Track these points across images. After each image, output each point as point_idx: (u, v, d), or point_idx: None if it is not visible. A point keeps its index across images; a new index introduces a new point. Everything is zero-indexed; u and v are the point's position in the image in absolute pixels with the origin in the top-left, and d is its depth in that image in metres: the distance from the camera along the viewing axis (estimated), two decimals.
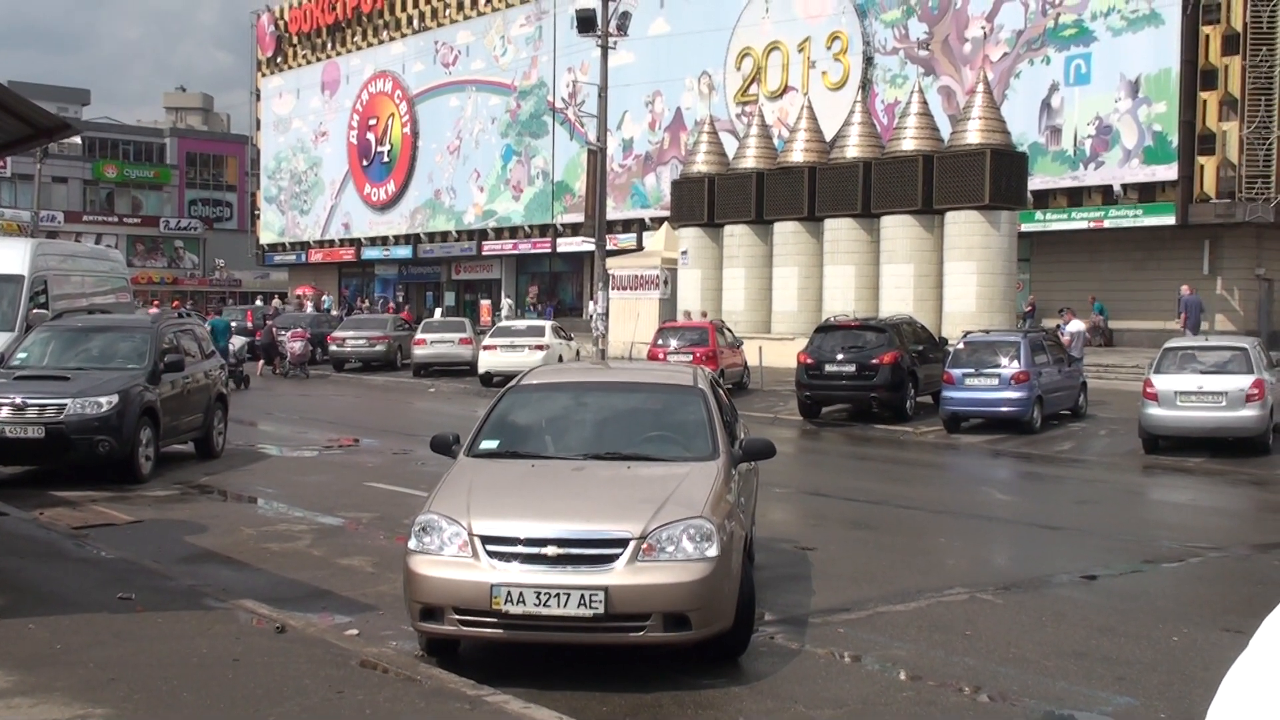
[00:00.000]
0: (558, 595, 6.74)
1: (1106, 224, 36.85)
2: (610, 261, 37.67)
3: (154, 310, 33.13)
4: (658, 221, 44.99)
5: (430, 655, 7.41)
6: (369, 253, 66.24)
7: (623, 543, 6.91)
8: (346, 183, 67.57)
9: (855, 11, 43.00)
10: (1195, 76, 35.12)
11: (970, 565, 10.90)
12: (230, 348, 31.24)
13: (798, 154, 33.75)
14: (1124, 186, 36.55)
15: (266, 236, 74.19)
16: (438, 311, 53.10)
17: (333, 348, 37.60)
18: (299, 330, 36.21)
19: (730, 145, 38.41)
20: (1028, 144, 36.23)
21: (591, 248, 37.33)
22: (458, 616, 6.94)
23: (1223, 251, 35.82)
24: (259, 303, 56.78)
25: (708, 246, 35.80)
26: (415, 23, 62.68)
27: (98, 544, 10.55)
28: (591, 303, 38.32)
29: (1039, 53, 38.14)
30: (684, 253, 36.54)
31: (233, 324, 34.66)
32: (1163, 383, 18.26)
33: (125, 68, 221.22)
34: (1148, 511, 15.28)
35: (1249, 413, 17.87)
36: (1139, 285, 36.78)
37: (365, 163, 66.10)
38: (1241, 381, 17.94)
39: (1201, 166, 34.99)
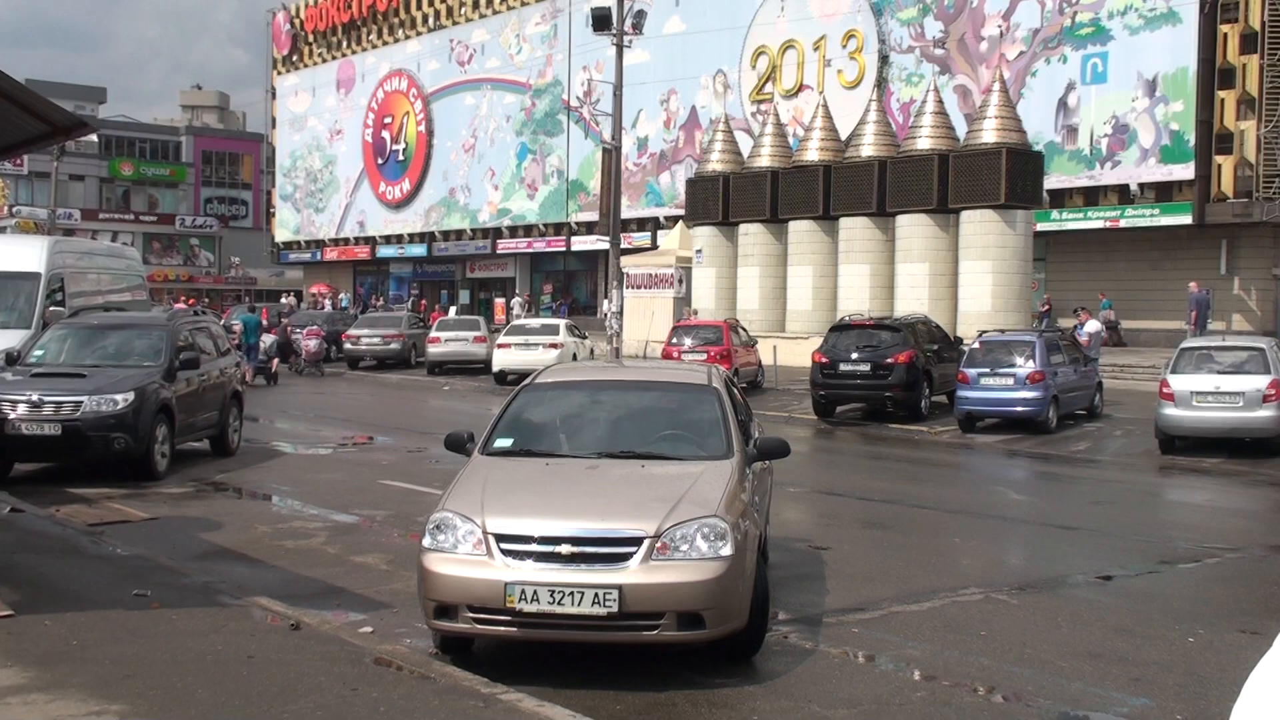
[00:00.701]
0: (572, 594, 6.74)
1: (1123, 223, 36.72)
2: (625, 260, 37.67)
3: (179, 307, 33.24)
4: (672, 220, 44.99)
5: (444, 653, 7.42)
6: (384, 251, 66.38)
7: (637, 541, 6.91)
8: (361, 181, 67.71)
9: (871, 10, 42.93)
10: (1213, 75, 34.98)
11: (985, 565, 10.87)
12: (260, 345, 31.78)
13: (813, 153, 33.69)
14: (1140, 186, 36.42)
15: (282, 234, 74.39)
16: (452, 310, 53.23)
17: (347, 345, 37.68)
18: (314, 328, 36.33)
19: (745, 144, 38.38)
20: (1044, 143, 36.13)
21: (606, 246, 37.34)
22: (472, 614, 6.94)
23: (1240, 251, 35.66)
24: (284, 300, 57.02)
25: (722, 245, 35.77)
26: (430, 21, 62.78)
27: (113, 541, 10.59)
28: (606, 301, 38.32)
29: (1055, 51, 38.03)
30: (699, 251, 36.52)
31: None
32: (1179, 383, 18.19)
33: (143, 66, 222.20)
34: (1164, 512, 15.22)
35: (1266, 413, 17.79)
36: (1155, 285, 36.66)
37: (380, 161, 66.23)
38: (1259, 382, 17.86)
39: (1219, 166, 34.85)
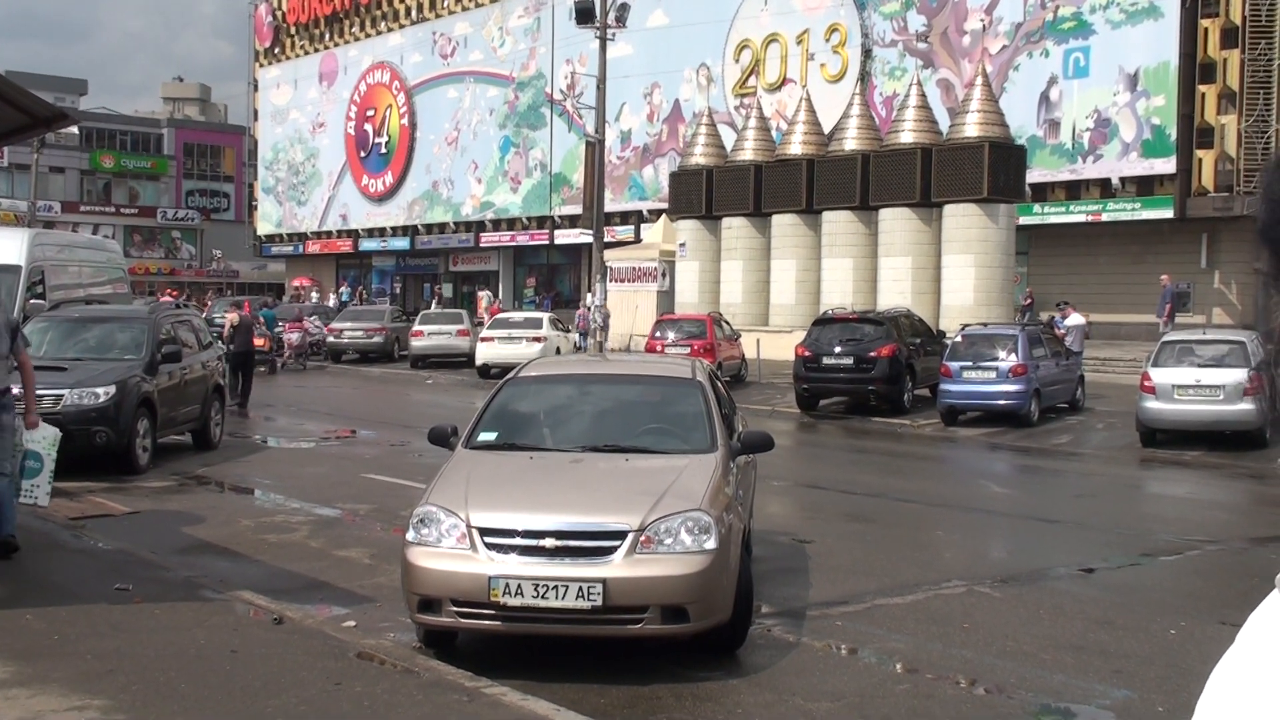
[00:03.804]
0: (555, 587, 6.73)
1: (1105, 217, 36.86)
2: (608, 254, 37.64)
3: (165, 300, 33.33)
4: (656, 214, 44.94)
5: (428, 647, 7.41)
6: (366, 244, 66.14)
7: (621, 535, 6.90)
8: (344, 174, 67.45)
9: (854, 3, 42.94)
10: (1194, 70, 35.12)
11: (968, 558, 10.91)
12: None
13: (796, 146, 33.72)
14: (1122, 180, 36.54)
15: (264, 227, 74.05)
16: (434, 303, 53.11)
17: (330, 339, 37.59)
18: (295, 322, 36.31)
19: (728, 137, 38.37)
20: (1026, 137, 36.18)
21: (589, 240, 37.31)
22: (455, 608, 6.93)
23: (1221, 245, 35.81)
24: (291, 296, 56.96)
25: (706, 239, 35.77)
26: (413, 13, 62.56)
27: (95, 535, 10.54)
28: (590, 295, 38.31)
29: (1038, 45, 38.11)
30: (682, 245, 36.52)
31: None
32: (1160, 376, 18.27)
33: (127, 59, 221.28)
34: (1145, 505, 15.29)
35: (1247, 406, 17.87)
36: (1137, 278, 36.75)
37: (363, 154, 65.98)
38: (1239, 375, 17.93)
39: (1200, 160, 34.99)
